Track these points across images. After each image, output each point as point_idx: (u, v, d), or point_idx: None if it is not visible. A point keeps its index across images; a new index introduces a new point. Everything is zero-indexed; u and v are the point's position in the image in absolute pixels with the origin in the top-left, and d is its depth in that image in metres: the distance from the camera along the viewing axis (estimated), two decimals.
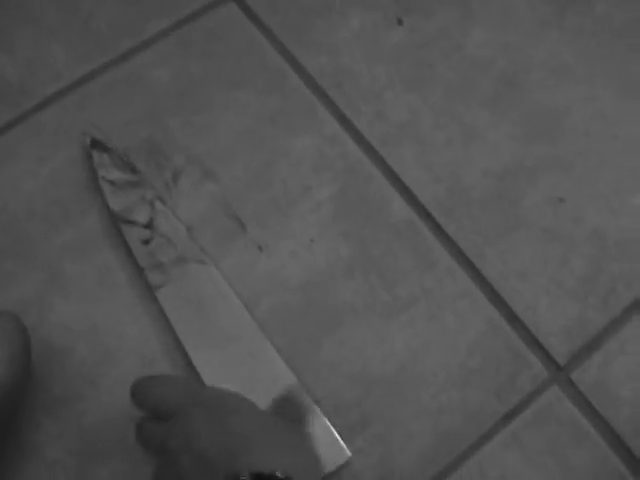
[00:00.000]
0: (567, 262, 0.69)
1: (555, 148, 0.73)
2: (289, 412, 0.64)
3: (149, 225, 0.69)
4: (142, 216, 0.69)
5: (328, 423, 0.62)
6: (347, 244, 0.68)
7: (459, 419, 0.64)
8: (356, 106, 0.74)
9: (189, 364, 0.63)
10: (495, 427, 0.64)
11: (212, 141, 0.71)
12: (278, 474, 0.50)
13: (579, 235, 0.70)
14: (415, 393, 0.65)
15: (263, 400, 0.62)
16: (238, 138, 0.71)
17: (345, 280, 0.67)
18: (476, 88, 0.75)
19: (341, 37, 0.77)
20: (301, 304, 0.66)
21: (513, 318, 0.67)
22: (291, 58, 0.76)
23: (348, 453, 0.62)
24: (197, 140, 0.72)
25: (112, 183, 0.69)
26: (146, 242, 0.69)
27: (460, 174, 0.72)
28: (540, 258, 0.69)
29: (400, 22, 0.78)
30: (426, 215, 0.70)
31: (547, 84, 0.76)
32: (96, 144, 0.70)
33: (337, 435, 0.62)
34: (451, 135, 0.73)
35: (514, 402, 0.65)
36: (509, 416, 0.64)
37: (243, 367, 0.65)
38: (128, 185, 0.69)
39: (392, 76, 0.75)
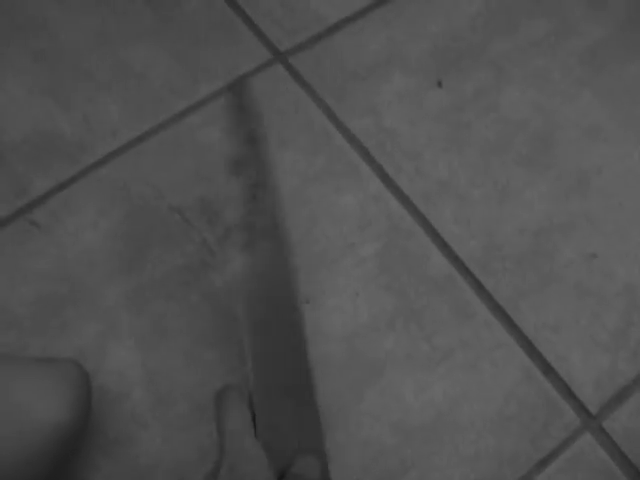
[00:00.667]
0: (599, 316, 0.72)
1: (588, 205, 0.77)
2: None
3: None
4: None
5: None
6: (389, 297, 0.72)
7: (495, 465, 0.67)
8: (398, 165, 0.78)
9: None
10: (530, 474, 0.67)
11: None
12: None
13: (611, 290, 0.73)
14: (452, 440, 0.68)
15: None
16: (285, 196, 0.75)
17: (387, 331, 0.71)
18: (511, 147, 0.79)
19: (384, 99, 0.81)
20: (344, 355, 0.70)
21: (547, 368, 0.70)
22: (336, 119, 0.80)
23: None
24: None
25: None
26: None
27: (496, 230, 0.75)
28: (573, 312, 0.72)
29: (439, 84, 0.82)
30: (464, 270, 0.74)
31: (580, 143, 0.80)
32: None
33: None
34: (488, 193, 0.77)
35: (548, 449, 0.68)
36: (543, 462, 0.67)
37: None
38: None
39: (432, 136, 0.79)
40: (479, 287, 0.73)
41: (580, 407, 0.69)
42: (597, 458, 0.68)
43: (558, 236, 0.76)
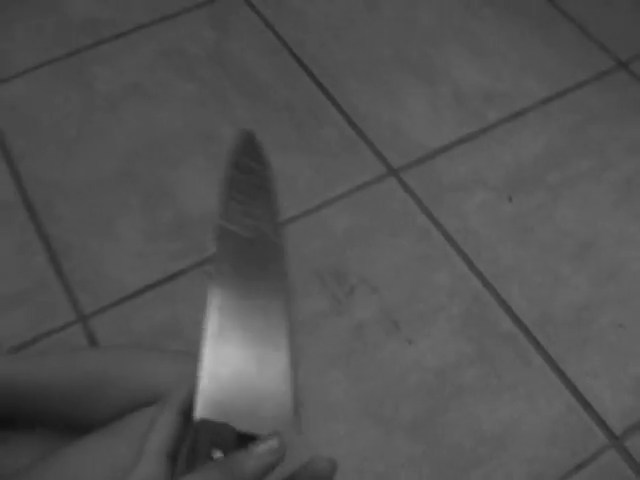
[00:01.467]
0: (627, 366, 0.99)
1: (620, 288, 1.05)
2: None
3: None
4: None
5: None
6: (470, 345, 1.00)
7: (544, 467, 0.92)
8: (478, 254, 1.07)
9: None
10: (569, 473, 0.92)
11: (377, 268, 1.05)
12: None
13: (637, 349, 1.00)
14: (514, 446, 0.94)
15: None
16: (395, 269, 1.05)
17: (468, 369, 0.98)
18: (562, 247, 1.08)
19: (469, 208, 1.11)
20: (435, 382, 0.97)
21: (586, 404, 0.97)
22: (433, 219, 1.10)
23: None
24: (367, 267, 1.05)
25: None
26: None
27: (550, 304, 1.03)
28: (606, 363, 0.99)
29: (510, 199, 1.12)
30: (526, 330, 1.01)
31: (615, 247, 1.08)
32: None
33: None
34: (544, 277, 1.06)
35: (583, 458, 0.94)
36: (579, 466, 0.93)
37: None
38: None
39: (503, 235, 1.09)
40: (537, 343, 1.01)
41: (608, 431, 0.95)
42: (619, 469, 0.93)
43: (595, 309, 1.03)
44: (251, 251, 0.62)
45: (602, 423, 0.95)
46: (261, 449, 0.49)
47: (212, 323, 0.59)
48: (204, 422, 0.49)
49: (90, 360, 0.86)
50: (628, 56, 1.22)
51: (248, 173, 0.65)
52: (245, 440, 0.49)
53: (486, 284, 1.03)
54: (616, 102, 1.19)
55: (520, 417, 0.95)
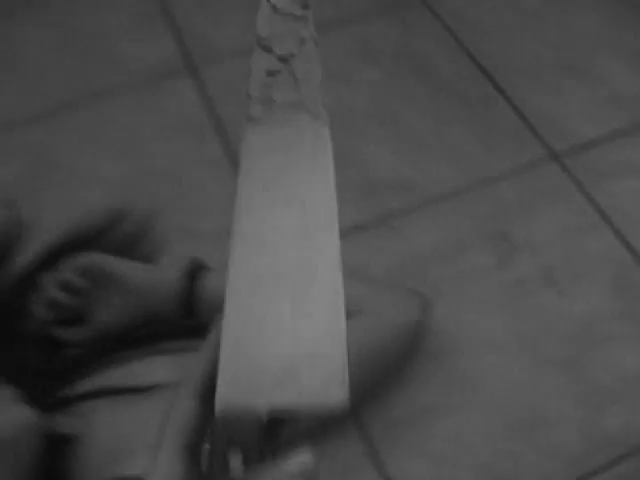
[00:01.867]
0: None
1: None
2: None
3: (285, 59, 0.60)
4: (284, 48, 0.60)
5: None
6: (618, 303, 1.12)
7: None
8: (628, 229, 1.21)
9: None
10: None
11: (537, 234, 1.18)
12: None
13: None
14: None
15: None
16: (553, 235, 1.18)
17: (616, 320, 1.11)
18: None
19: (621, 190, 1.25)
20: (583, 329, 1.10)
21: None
22: (590, 197, 1.24)
23: None
24: (529, 232, 1.18)
25: (274, 8, 0.60)
26: (271, 74, 0.59)
27: None
28: None
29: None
30: None
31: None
32: None
33: None
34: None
35: None
36: None
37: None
38: (290, 17, 0.60)
39: None
40: None
41: None
42: None
43: None
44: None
45: None
46: (290, 467, 0.41)
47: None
48: (222, 415, 0.41)
49: None
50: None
51: None
52: (277, 425, 0.43)
53: (635, 255, 1.16)
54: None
55: None
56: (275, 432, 0.44)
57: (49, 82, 1.45)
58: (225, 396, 0.41)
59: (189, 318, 0.99)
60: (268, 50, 0.59)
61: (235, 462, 0.41)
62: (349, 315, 0.87)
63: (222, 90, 1.38)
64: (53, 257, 1.08)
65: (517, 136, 1.28)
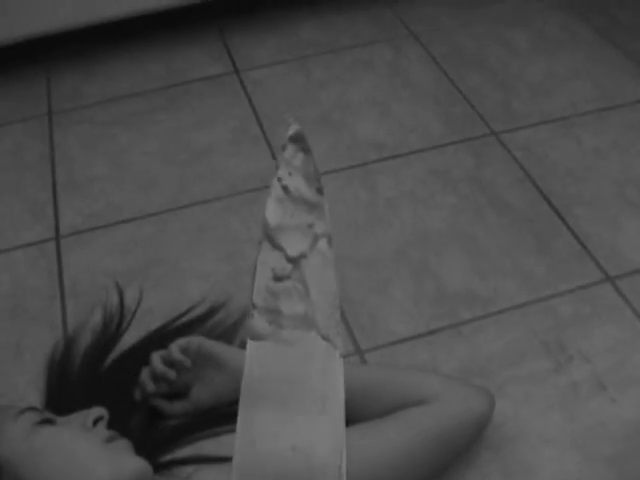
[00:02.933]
0: None
1: None
2: None
3: (295, 260, 0.58)
4: (294, 246, 0.59)
5: None
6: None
7: None
8: None
9: None
10: None
11: (592, 346, 1.31)
12: None
13: None
14: None
15: None
16: (606, 349, 1.30)
17: None
18: None
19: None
20: (635, 432, 1.21)
21: None
22: None
23: None
24: (583, 343, 1.31)
25: (286, 189, 0.61)
26: (279, 279, 0.59)
27: None
28: None
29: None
30: None
31: None
32: (298, 139, 0.61)
33: None
34: None
35: None
36: None
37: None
38: (303, 203, 0.59)
39: None
40: None
41: None
42: None
43: None
44: None
45: None
46: None
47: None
48: None
49: (367, 371, 1.18)
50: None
51: None
52: None
53: None
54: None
55: None
56: None
57: (158, 185, 1.67)
58: None
59: None
60: (277, 247, 0.57)
61: None
62: (424, 402, 1.02)
63: None
64: (161, 339, 1.24)
65: (576, 259, 1.42)
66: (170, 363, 1.15)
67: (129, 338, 1.30)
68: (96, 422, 1.01)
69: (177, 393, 1.21)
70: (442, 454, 1.10)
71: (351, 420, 1.10)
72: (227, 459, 1.09)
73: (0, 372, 1.33)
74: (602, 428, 1.19)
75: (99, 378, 1.24)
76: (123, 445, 1.00)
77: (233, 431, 1.14)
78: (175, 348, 1.14)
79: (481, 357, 1.28)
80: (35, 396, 1.24)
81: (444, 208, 1.55)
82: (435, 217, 1.53)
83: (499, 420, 1.17)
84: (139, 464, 0.97)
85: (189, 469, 1.12)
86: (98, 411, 1.02)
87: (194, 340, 1.15)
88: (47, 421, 0.99)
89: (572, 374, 1.26)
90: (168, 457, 1.16)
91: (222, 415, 1.20)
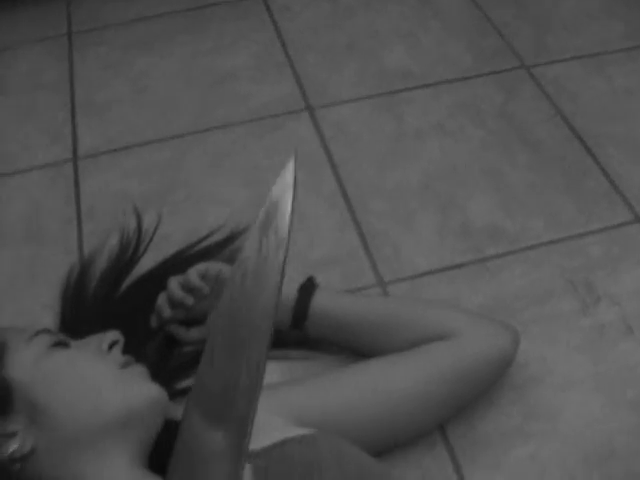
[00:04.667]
0: None
1: None
2: None
3: None
4: None
5: None
6: None
7: None
8: None
9: None
10: None
11: (620, 288, 1.28)
12: None
13: None
14: None
15: None
16: (635, 291, 1.27)
17: None
18: None
19: None
20: None
21: None
22: None
23: None
24: (612, 286, 1.28)
25: None
26: None
27: None
28: None
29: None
30: None
31: None
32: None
33: None
34: None
35: None
36: None
37: None
38: None
39: None
40: None
41: None
42: None
43: None
44: None
45: None
46: None
47: None
48: None
49: (389, 304, 1.15)
50: None
51: None
52: None
53: None
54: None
55: None
56: None
57: (178, 109, 1.62)
58: None
59: (297, 329, 1.09)
60: None
61: None
62: (447, 337, 0.99)
63: (336, 131, 1.51)
64: (178, 264, 1.20)
65: (606, 199, 1.38)
66: (188, 289, 1.11)
67: (146, 263, 1.26)
68: (111, 346, 0.97)
69: (194, 320, 1.18)
70: (463, 391, 1.07)
71: (371, 353, 1.10)
72: None
73: (15, 295, 1.31)
74: (628, 372, 1.16)
75: (114, 303, 1.21)
76: (138, 371, 0.97)
77: None
78: (193, 273, 1.10)
79: (506, 294, 1.25)
80: (50, 319, 1.22)
81: (472, 142, 1.50)
82: (462, 150, 1.48)
83: (522, 360, 1.14)
84: (154, 390, 0.94)
85: None
86: (113, 335, 0.99)
87: (213, 266, 1.12)
88: (61, 344, 0.96)
89: (599, 316, 1.22)
90: (184, 384, 1.13)
91: None
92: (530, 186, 1.41)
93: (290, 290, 1.12)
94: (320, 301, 1.10)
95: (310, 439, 0.85)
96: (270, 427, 0.94)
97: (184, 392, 1.11)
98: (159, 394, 0.95)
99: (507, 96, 1.59)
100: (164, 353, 1.17)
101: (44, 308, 1.26)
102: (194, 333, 1.17)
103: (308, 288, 1.11)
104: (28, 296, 1.30)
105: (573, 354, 1.18)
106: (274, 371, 1.16)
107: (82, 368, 0.94)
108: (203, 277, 1.12)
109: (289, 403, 0.99)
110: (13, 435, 0.88)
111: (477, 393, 1.10)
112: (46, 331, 0.98)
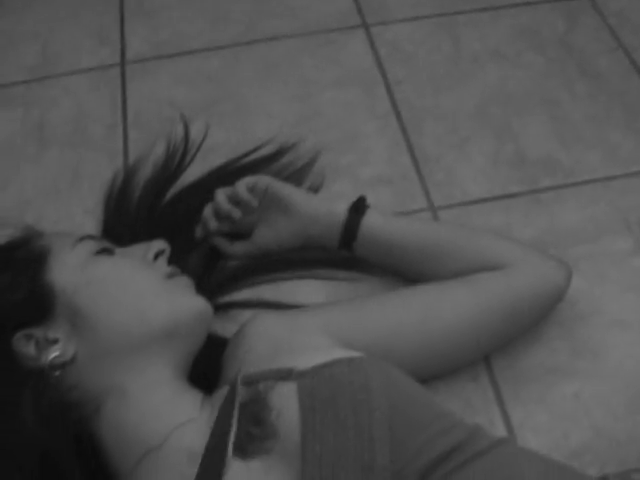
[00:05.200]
0: None
1: None
2: None
3: None
4: None
5: None
6: None
7: None
8: None
9: None
10: None
11: None
12: None
13: None
14: None
15: None
16: None
17: None
18: None
19: None
20: None
21: None
22: None
23: None
24: None
25: None
26: None
27: None
28: None
29: None
30: None
31: None
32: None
33: None
34: None
35: None
36: None
37: None
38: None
39: None
40: None
41: None
42: None
43: None
44: None
45: None
46: None
47: None
48: None
49: (442, 230, 1.11)
50: None
51: None
52: None
53: None
54: None
55: None
56: None
57: (229, 18, 1.57)
58: None
59: (346, 250, 1.07)
60: None
61: None
62: (499, 268, 0.96)
63: (391, 50, 1.47)
64: (225, 176, 1.17)
65: None
66: (235, 202, 1.09)
67: (192, 173, 1.23)
68: (157, 256, 0.95)
69: (239, 234, 1.16)
70: (511, 324, 1.05)
71: (419, 279, 1.08)
72: (286, 306, 1.09)
73: (57, 199, 1.29)
74: None
75: (158, 212, 1.19)
76: (184, 282, 0.95)
77: (294, 278, 1.10)
78: (242, 186, 1.08)
79: (558, 228, 1.22)
80: (92, 226, 1.20)
81: (531, 69, 1.45)
82: (520, 77, 1.44)
83: (572, 297, 1.10)
84: (201, 303, 0.93)
85: (247, 313, 1.09)
86: (160, 244, 0.97)
87: (263, 179, 1.09)
88: (106, 251, 0.94)
89: None
90: (226, 299, 1.11)
91: (284, 261, 1.17)
92: (588, 119, 1.36)
93: (340, 208, 1.09)
94: (371, 222, 1.07)
95: (358, 362, 0.82)
96: (318, 347, 0.92)
97: (225, 307, 1.09)
98: (205, 307, 0.93)
99: (569, 25, 1.52)
100: (207, 266, 1.15)
101: (86, 214, 1.25)
102: (238, 247, 1.14)
103: (359, 208, 1.08)
104: (71, 201, 1.29)
105: (623, 294, 1.15)
106: (319, 291, 1.15)
107: (128, 276, 0.92)
108: (251, 190, 1.09)
109: (336, 323, 0.96)
110: (55, 342, 0.87)
111: (525, 327, 1.07)
112: (91, 237, 0.97)
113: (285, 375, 0.84)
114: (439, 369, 1.03)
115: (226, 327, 1.07)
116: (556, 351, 1.08)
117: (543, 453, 0.86)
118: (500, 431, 1.01)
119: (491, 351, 1.06)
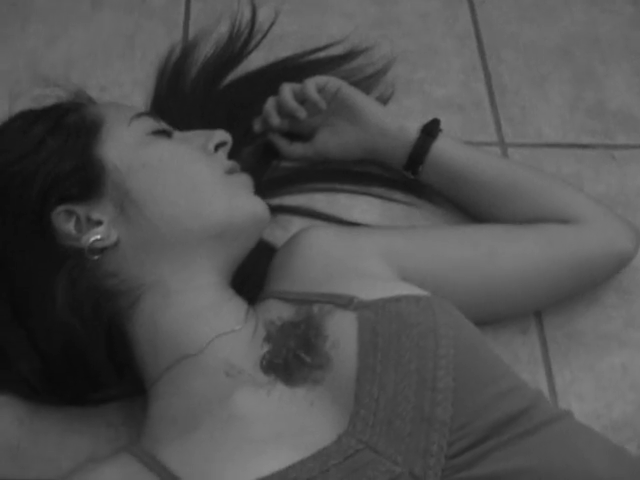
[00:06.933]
0: None
1: None
2: None
3: None
4: None
5: None
6: None
7: None
8: None
9: None
10: None
11: None
12: None
13: None
14: None
15: None
16: None
17: None
18: None
19: None
20: None
21: None
22: None
23: None
24: None
25: None
26: None
27: None
28: None
29: None
30: None
31: None
32: None
33: None
34: None
35: None
36: None
37: None
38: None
39: None
40: None
41: None
42: None
43: None
44: None
45: None
46: None
47: None
48: None
49: (517, 169, 1.03)
50: None
51: None
52: None
53: None
54: None
55: None
56: None
57: None
58: None
59: (412, 172, 1.00)
60: None
61: None
62: (568, 221, 0.88)
63: None
64: (292, 70, 1.09)
65: None
66: (302, 100, 1.00)
67: (255, 61, 1.14)
68: (217, 148, 0.87)
69: (299, 134, 1.08)
70: (573, 281, 0.99)
71: (483, 217, 1.02)
72: (338, 220, 1.03)
73: (106, 65, 1.20)
74: None
75: (214, 96, 1.11)
76: (244, 180, 0.88)
77: (352, 192, 1.06)
78: (312, 85, 1.00)
79: (630, 189, 1.15)
80: (140, 99, 1.13)
81: (621, 16, 1.36)
82: (610, 23, 1.34)
83: (636, 264, 1.03)
84: (260, 206, 0.86)
85: (296, 221, 1.04)
86: (222, 135, 0.89)
87: (334, 81, 1.02)
88: (164, 132, 0.86)
89: None
90: (275, 201, 1.04)
91: (341, 171, 1.10)
92: None
93: (412, 127, 1.02)
94: (442, 148, 1.00)
95: (426, 302, 0.76)
96: (377, 276, 0.86)
97: (274, 210, 1.01)
98: (264, 211, 0.87)
99: None
100: (261, 163, 1.07)
101: (136, 85, 1.17)
102: (297, 148, 1.07)
103: (432, 131, 1.01)
104: (121, 69, 1.20)
105: None
106: (374, 207, 1.08)
107: (186, 163, 0.85)
108: (321, 91, 1.01)
109: (397, 250, 0.90)
110: (98, 223, 0.80)
111: (587, 287, 1.01)
112: (149, 114, 0.89)
113: (345, 303, 0.78)
114: (491, 314, 0.97)
115: (272, 233, 0.99)
116: (611, 318, 1.03)
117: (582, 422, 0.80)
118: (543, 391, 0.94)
119: (545, 307, 1.01)
